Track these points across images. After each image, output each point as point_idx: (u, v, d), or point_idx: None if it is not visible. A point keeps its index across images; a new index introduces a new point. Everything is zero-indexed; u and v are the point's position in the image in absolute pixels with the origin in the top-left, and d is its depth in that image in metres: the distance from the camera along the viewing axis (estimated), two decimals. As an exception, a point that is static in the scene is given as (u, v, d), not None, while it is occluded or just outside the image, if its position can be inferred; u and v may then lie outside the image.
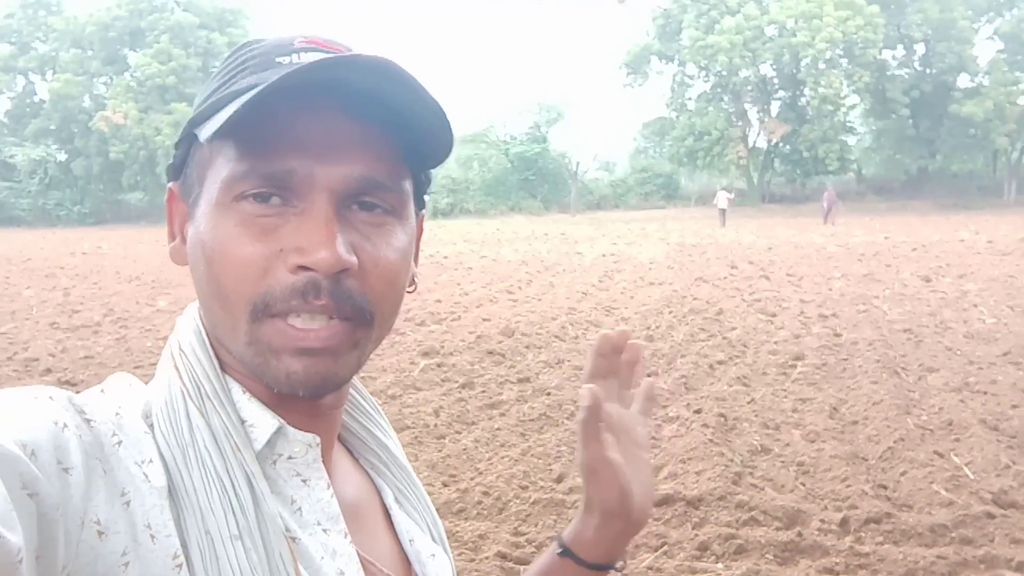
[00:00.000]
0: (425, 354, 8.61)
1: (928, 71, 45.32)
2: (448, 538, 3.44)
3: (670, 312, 11.30)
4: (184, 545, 0.60)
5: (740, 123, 48.38)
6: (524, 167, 51.10)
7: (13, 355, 8.98)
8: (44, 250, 25.93)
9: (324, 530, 0.69)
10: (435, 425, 6.18)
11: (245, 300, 0.64)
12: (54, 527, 0.52)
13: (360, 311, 0.66)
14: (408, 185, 0.71)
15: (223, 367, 0.69)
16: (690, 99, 50.49)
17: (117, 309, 12.40)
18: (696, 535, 4.32)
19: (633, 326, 10.20)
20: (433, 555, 0.81)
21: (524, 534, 4.36)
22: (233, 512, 0.62)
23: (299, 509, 0.68)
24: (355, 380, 0.81)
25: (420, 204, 0.76)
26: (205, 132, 0.62)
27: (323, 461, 0.71)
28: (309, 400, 0.68)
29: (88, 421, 0.59)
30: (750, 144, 47.87)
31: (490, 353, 8.68)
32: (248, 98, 0.60)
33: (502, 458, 5.45)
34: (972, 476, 5.02)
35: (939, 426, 6.02)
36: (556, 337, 9.65)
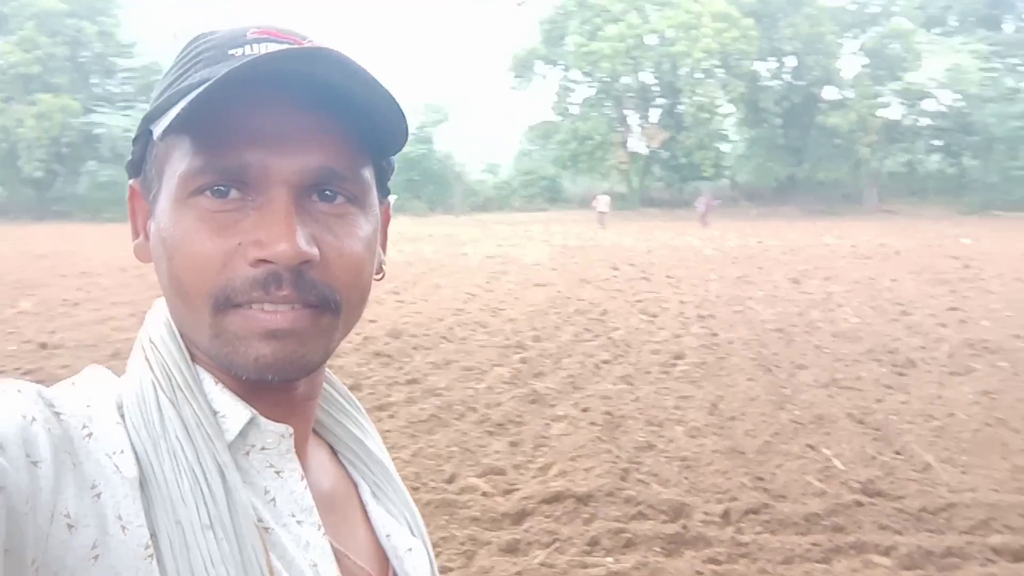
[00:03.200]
0: (311, 356, 8.44)
1: (798, 83, 47.51)
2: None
3: (556, 313, 11.46)
4: (154, 535, 0.60)
5: (622, 129, 49.51)
6: (408, 167, 50.73)
7: None
8: None
9: (298, 522, 0.69)
10: (323, 427, 6.08)
11: (205, 294, 0.64)
12: (23, 521, 0.52)
13: (325, 300, 0.66)
14: (368, 173, 0.71)
15: (194, 358, 0.69)
16: (574, 104, 51.35)
17: (-24, 310, 11.66)
18: (586, 530, 4.41)
19: (520, 327, 10.30)
20: (410, 549, 0.82)
21: (417, 535, 4.34)
22: (204, 502, 0.62)
23: (273, 500, 0.69)
24: (331, 375, 0.82)
25: (384, 191, 0.76)
26: (158, 129, 0.62)
27: (297, 453, 0.71)
28: (280, 385, 0.68)
29: (57, 414, 0.59)
30: (631, 149, 49.06)
31: (377, 355, 8.60)
32: (196, 94, 0.60)
33: (393, 460, 5.40)
34: (842, 467, 5.30)
35: (810, 420, 6.34)
36: (444, 338, 9.65)
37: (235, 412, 0.68)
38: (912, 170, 48.43)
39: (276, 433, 0.69)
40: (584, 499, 4.75)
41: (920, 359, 8.43)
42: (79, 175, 42.47)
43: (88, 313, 11.48)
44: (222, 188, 0.64)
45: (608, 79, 47.29)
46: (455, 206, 47.96)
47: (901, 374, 7.85)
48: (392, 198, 0.79)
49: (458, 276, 16.19)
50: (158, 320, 0.71)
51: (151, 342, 0.70)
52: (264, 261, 0.63)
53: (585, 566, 4.09)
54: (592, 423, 6.17)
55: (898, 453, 5.60)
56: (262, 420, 0.69)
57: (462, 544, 4.25)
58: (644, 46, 46.50)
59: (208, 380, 0.68)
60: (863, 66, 46.94)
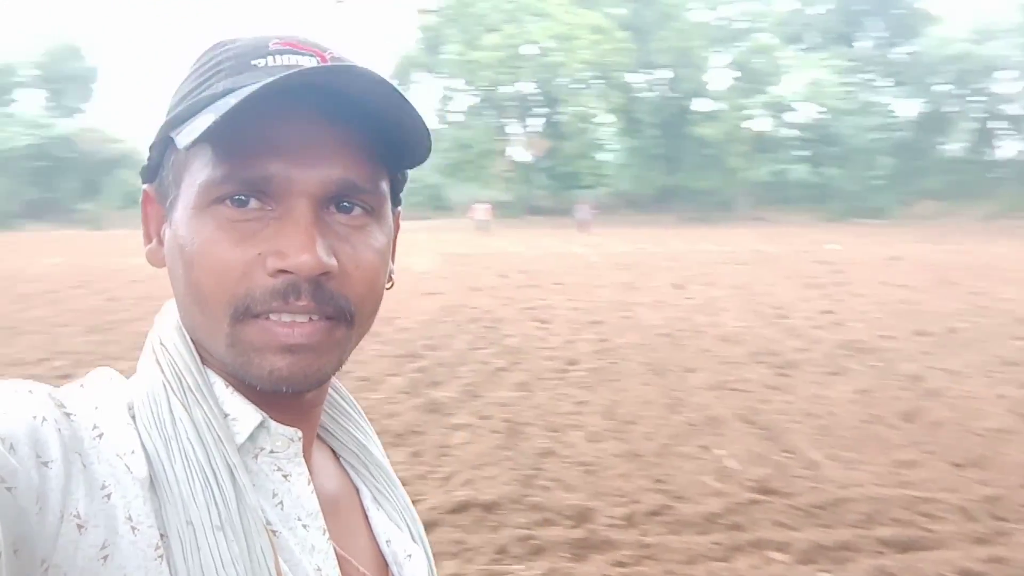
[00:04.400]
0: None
1: (672, 95, 49.18)
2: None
3: (449, 321, 11.44)
4: (164, 536, 0.60)
5: (503, 137, 49.98)
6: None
7: None
8: None
9: (304, 526, 0.71)
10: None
11: (225, 303, 0.65)
12: (33, 521, 0.53)
13: (341, 311, 0.67)
14: (385, 185, 0.72)
15: (204, 362, 0.69)
16: (455, 112, 51.51)
17: None
18: (494, 539, 4.39)
19: (413, 336, 10.22)
20: (410, 555, 0.83)
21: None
22: (215, 503, 0.63)
23: (280, 503, 0.70)
24: (335, 380, 0.82)
25: (396, 201, 0.77)
26: (184, 139, 0.62)
27: (304, 457, 0.73)
28: (292, 395, 0.69)
29: (68, 415, 0.60)
30: (513, 158, 49.58)
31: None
32: (231, 108, 0.59)
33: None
34: (736, 467, 5.48)
35: (703, 422, 6.53)
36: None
37: (246, 415, 0.68)
38: (780, 179, 50.78)
39: (286, 437, 0.70)
40: (490, 507, 4.74)
41: (800, 360, 8.82)
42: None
43: None
44: (242, 197, 0.65)
45: (489, 88, 47.68)
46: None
47: (784, 375, 8.19)
48: (400, 209, 0.80)
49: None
50: (168, 323, 0.72)
51: (162, 345, 0.70)
52: (284, 271, 0.64)
53: (495, 575, 4.09)
54: (493, 431, 6.18)
55: (787, 451, 5.83)
56: (272, 424, 0.70)
57: (370, 559, 4.16)
58: (522, 56, 47.10)
59: (219, 383, 0.69)
60: (732, 79, 48.95)
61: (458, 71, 47.50)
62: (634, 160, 52.05)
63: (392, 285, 0.76)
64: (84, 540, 0.56)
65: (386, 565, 0.81)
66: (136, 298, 13.75)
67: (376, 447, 0.88)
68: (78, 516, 0.56)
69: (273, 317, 0.64)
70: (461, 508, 4.73)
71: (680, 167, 49.40)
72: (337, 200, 0.67)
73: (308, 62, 0.68)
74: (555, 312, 12.35)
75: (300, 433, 0.71)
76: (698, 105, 49.72)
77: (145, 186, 0.74)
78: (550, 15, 46.40)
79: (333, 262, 0.65)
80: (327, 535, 0.72)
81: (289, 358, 0.65)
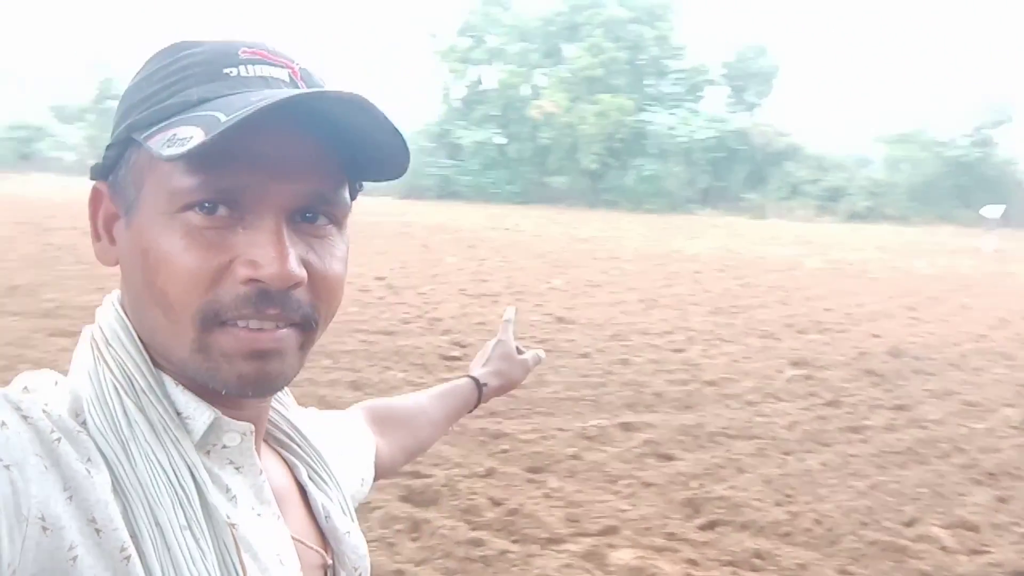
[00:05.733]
0: (795, 364, 8.23)
1: None
2: (764, 560, 3.32)
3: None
4: (134, 537, 0.62)
5: None
6: (960, 172, 45.91)
7: (424, 313, 10.17)
8: (473, 222, 28.89)
9: (258, 515, 0.73)
10: (785, 439, 5.89)
11: (193, 310, 0.65)
12: None
13: (307, 319, 0.69)
14: (347, 195, 0.73)
15: (153, 361, 0.70)
16: None
17: (517, 283, 13.44)
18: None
19: (1054, 365, 8.76)
20: (348, 532, 0.84)
21: (851, 575, 4.00)
22: (180, 503, 0.65)
23: (234, 497, 0.71)
24: None
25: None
26: (166, 150, 0.61)
27: (254, 449, 0.75)
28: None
29: (25, 418, 0.60)
30: None
31: (868, 372, 8.04)
32: (225, 127, 0.60)
33: (848, 488, 5.03)
34: None
35: None
36: (953, 365, 8.64)
37: (199, 413, 0.69)
38: None
39: (238, 432, 0.71)
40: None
41: None
42: (628, 168, 46.18)
43: (605, 295, 12.58)
44: (208, 205, 0.65)
45: None
46: (1013, 218, 42.15)
47: None
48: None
49: (994, 298, 14.27)
50: (110, 319, 0.72)
51: (108, 343, 0.70)
52: (254, 280, 0.65)
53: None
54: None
55: None
56: (225, 420, 0.70)
57: (901, 598, 3.81)
58: None
59: (169, 382, 0.69)
60: None
61: None
62: None
63: None
64: (50, 542, 0.56)
65: (326, 541, 0.82)
66: (767, 287, 14.31)
67: (303, 424, 0.87)
68: (43, 519, 0.56)
69: (241, 324, 0.65)
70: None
71: None
72: (303, 210, 0.68)
73: (279, 73, 0.69)
74: None
75: (252, 427, 0.72)
76: None
77: (95, 183, 0.73)
78: None
79: (304, 273, 0.66)
80: (281, 520, 0.74)
81: (257, 363, 0.66)
